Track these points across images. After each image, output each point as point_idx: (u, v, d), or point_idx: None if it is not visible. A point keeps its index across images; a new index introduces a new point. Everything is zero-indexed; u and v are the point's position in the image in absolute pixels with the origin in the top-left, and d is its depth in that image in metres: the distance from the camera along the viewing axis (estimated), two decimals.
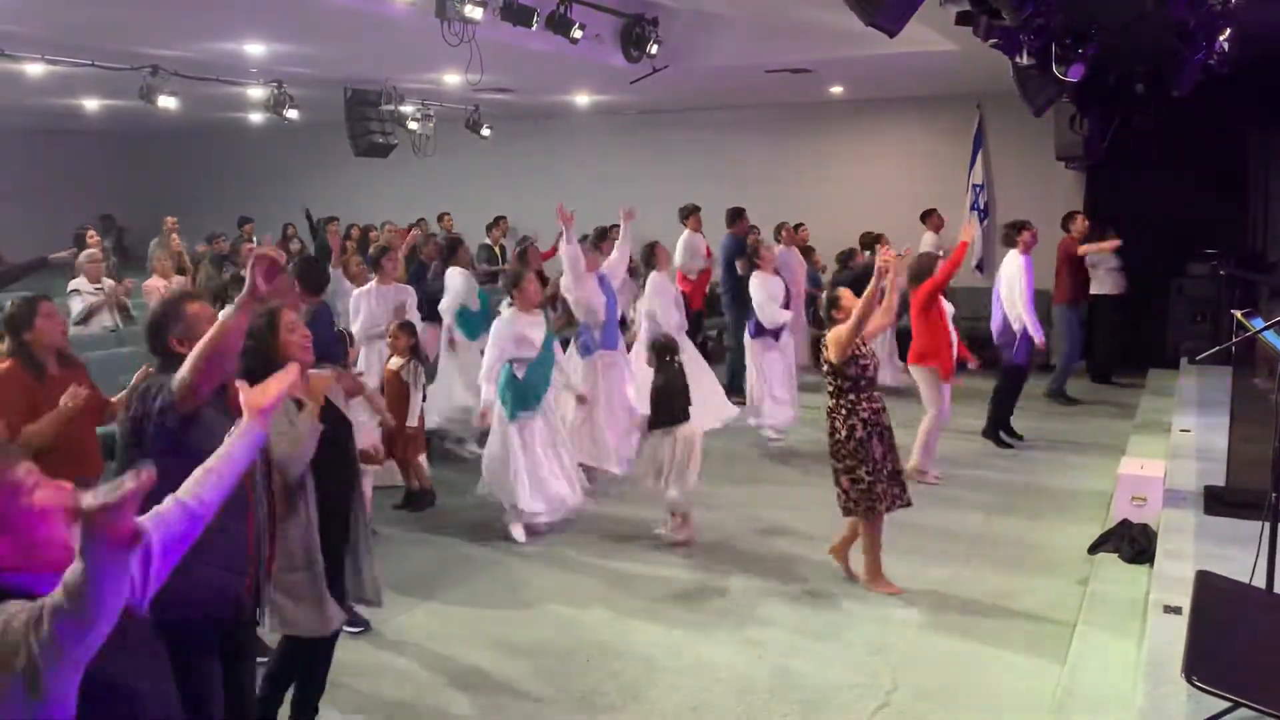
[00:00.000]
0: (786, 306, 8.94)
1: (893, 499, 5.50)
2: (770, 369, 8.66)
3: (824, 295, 5.82)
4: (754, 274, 8.71)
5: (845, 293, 5.68)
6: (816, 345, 5.70)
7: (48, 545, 1.90)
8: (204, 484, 2.22)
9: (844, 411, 5.46)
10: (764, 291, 8.57)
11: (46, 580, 1.88)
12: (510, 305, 6.57)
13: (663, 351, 6.40)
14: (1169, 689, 3.74)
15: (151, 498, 3.08)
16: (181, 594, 2.35)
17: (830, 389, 5.55)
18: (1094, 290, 10.76)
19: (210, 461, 2.28)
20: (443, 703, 4.51)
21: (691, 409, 6.43)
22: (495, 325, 6.53)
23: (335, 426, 3.85)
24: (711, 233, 11.69)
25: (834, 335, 5.46)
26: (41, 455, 4.28)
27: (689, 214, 11.61)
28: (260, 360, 3.61)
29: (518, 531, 6.52)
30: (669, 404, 6.27)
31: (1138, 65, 7.15)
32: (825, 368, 5.55)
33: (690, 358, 8.59)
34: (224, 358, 2.95)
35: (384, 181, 15.23)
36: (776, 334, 8.71)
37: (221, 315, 2.97)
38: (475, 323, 8.35)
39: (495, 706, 4.48)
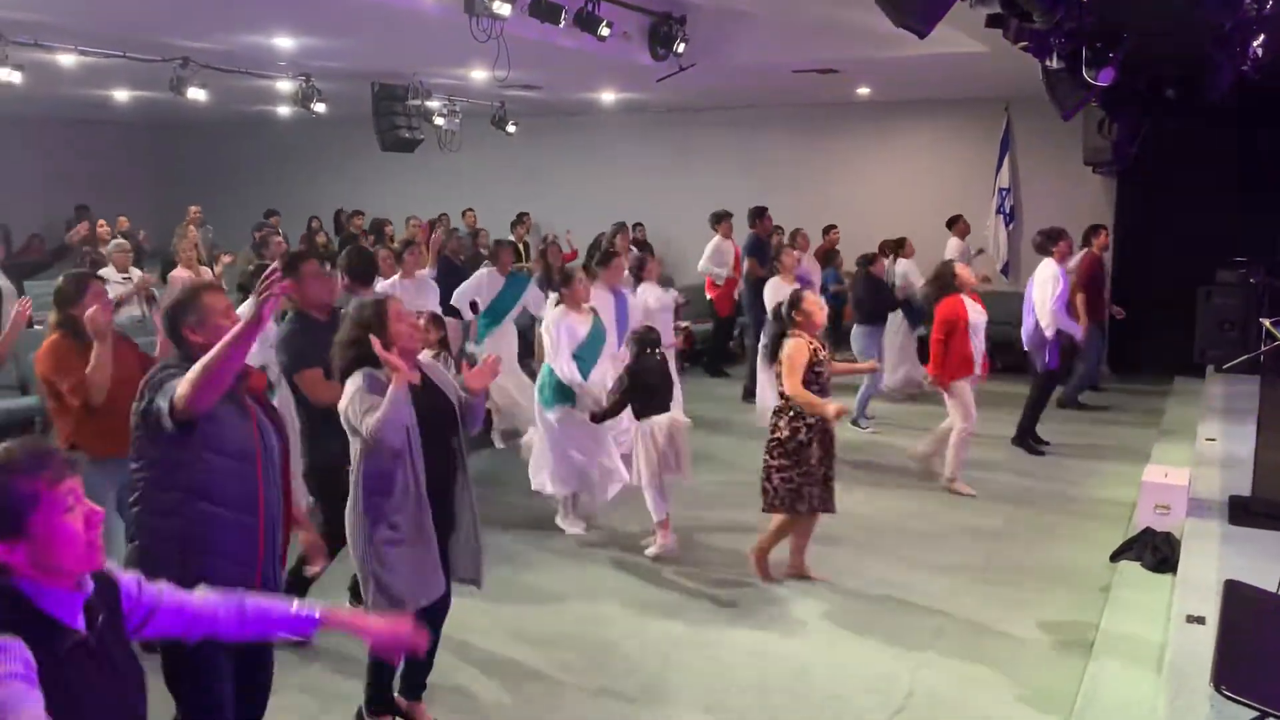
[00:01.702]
0: None
1: (820, 504, 5.59)
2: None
3: (789, 294, 5.83)
4: (771, 280, 8.59)
5: (810, 298, 5.73)
6: (777, 341, 5.66)
7: (62, 562, 1.92)
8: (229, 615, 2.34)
9: (790, 414, 5.53)
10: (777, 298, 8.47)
11: (48, 594, 1.91)
12: (559, 304, 6.59)
13: (642, 343, 6.29)
14: (1192, 699, 3.70)
15: (160, 486, 3.14)
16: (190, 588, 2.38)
17: (780, 390, 5.59)
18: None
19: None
20: (462, 690, 4.53)
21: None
22: (549, 321, 6.53)
23: (441, 406, 3.93)
24: (742, 235, 11.67)
25: (791, 353, 5.46)
26: (92, 421, 4.40)
27: (720, 219, 11.53)
28: (365, 348, 3.73)
29: (571, 526, 6.59)
30: (644, 396, 6.15)
31: (1169, 69, 7.08)
32: (777, 368, 5.58)
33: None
34: (224, 375, 2.99)
35: (409, 177, 15.29)
36: None
37: (226, 336, 3.00)
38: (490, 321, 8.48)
39: (511, 698, 4.49)
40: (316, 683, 4.59)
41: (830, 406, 5.42)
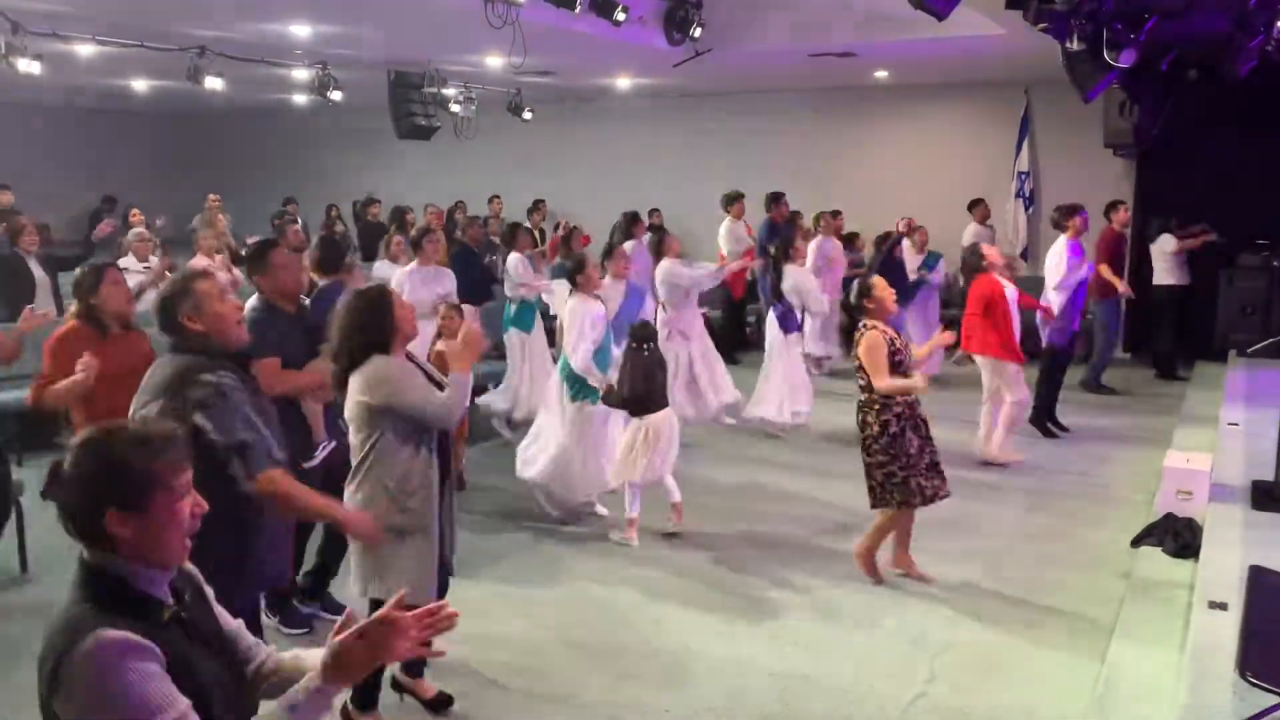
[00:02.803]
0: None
1: (932, 492, 5.39)
2: (793, 366, 8.55)
3: (855, 283, 5.62)
4: (787, 267, 8.56)
5: (879, 281, 5.53)
6: (849, 332, 5.55)
7: (164, 545, 1.96)
8: None
9: (876, 406, 5.32)
10: (800, 283, 8.45)
11: (142, 574, 1.94)
12: (574, 292, 6.57)
13: (638, 339, 6.18)
14: (1214, 685, 3.69)
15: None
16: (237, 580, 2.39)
17: (861, 382, 5.40)
18: (1159, 281, 10.59)
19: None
20: (474, 682, 4.54)
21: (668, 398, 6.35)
22: (571, 310, 6.49)
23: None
24: (753, 218, 11.63)
25: (871, 346, 5.28)
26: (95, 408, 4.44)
27: (732, 201, 11.54)
28: (380, 335, 3.73)
29: (554, 510, 6.57)
30: (633, 393, 6.07)
31: (1191, 50, 7.01)
32: (857, 362, 5.41)
33: (703, 349, 8.59)
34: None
35: (426, 164, 15.31)
36: (799, 327, 8.65)
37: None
38: (528, 316, 8.56)
39: (529, 686, 4.51)
40: None
41: (918, 380, 5.31)
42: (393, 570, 3.75)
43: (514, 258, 8.69)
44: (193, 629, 2.01)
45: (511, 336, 8.62)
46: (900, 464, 5.29)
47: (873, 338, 5.29)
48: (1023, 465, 7.69)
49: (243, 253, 10.19)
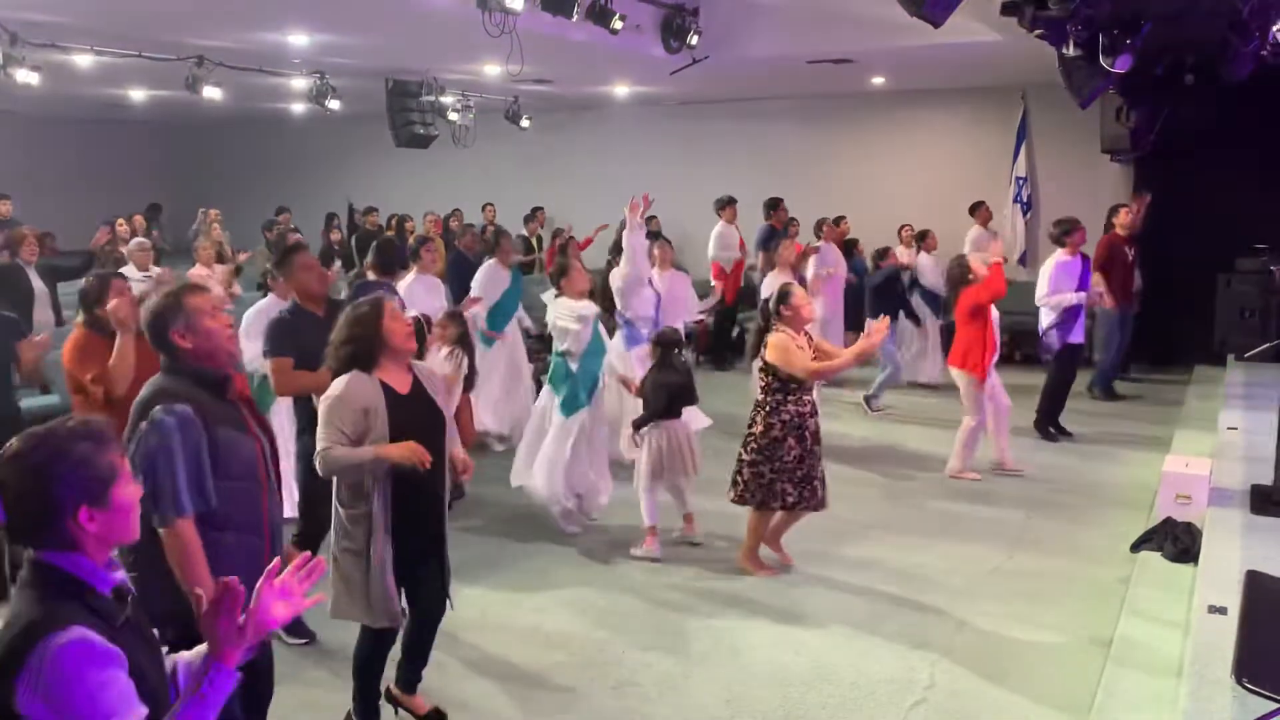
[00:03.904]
0: None
1: (796, 500, 5.55)
2: None
3: (776, 289, 5.72)
4: (769, 276, 8.52)
5: (798, 291, 5.66)
6: (759, 338, 5.64)
7: (124, 533, 2.04)
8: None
9: (766, 409, 5.54)
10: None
11: (98, 574, 1.98)
12: (558, 296, 6.55)
13: (666, 346, 6.20)
14: (1212, 690, 3.68)
15: None
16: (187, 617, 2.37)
17: (762, 384, 5.60)
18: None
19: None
20: (476, 691, 4.53)
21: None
22: (559, 313, 6.45)
23: (429, 418, 3.86)
24: (752, 224, 11.64)
25: (779, 345, 5.43)
26: (113, 414, 4.43)
27: (724, 205, 11.59)
28: (366, 347, 3.71)
29: (571, 526, 6.52)
30: (664, 399, 6.04)
31: (1187, 55, 7.03)
32: (759, 364, 5.58)
33: None
34: None
35: (424, 172, 15.32)
36: None
37: None
38: (500, 316, 8.45)
39: (530, 695, 4.50)
40: (323, 682, 4.60)
41: (850, 353, 5.47)
42: (348, 593, 3.78)
43: (486, 266, 8.58)
44: (138, 630, 2.04)
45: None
46: (771, 466, 5.51)
47: (779, 338, 5.46)
48: (979, 479, 7.57)
49: (238, 265, 10.26)
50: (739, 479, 5.64)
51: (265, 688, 3.35)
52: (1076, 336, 8.48)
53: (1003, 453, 7.81)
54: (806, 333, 5.63)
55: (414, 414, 3.77)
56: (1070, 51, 6.09)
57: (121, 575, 2.05)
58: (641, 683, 4.59)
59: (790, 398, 5.51)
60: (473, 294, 8.19)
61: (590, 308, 6.48)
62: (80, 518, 1.94)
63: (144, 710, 1.84)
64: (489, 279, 8.41)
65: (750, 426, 5.62)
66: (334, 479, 3.79)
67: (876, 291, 9.79)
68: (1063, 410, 8.80)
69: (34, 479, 1.92)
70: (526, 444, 6.78)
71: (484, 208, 14.61)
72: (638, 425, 6.11)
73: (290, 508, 6.31)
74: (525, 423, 7.12)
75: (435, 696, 4.32)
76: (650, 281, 7.70)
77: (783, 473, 5.51)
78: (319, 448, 3.65)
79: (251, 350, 5.67)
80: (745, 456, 5.61)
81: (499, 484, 7.09)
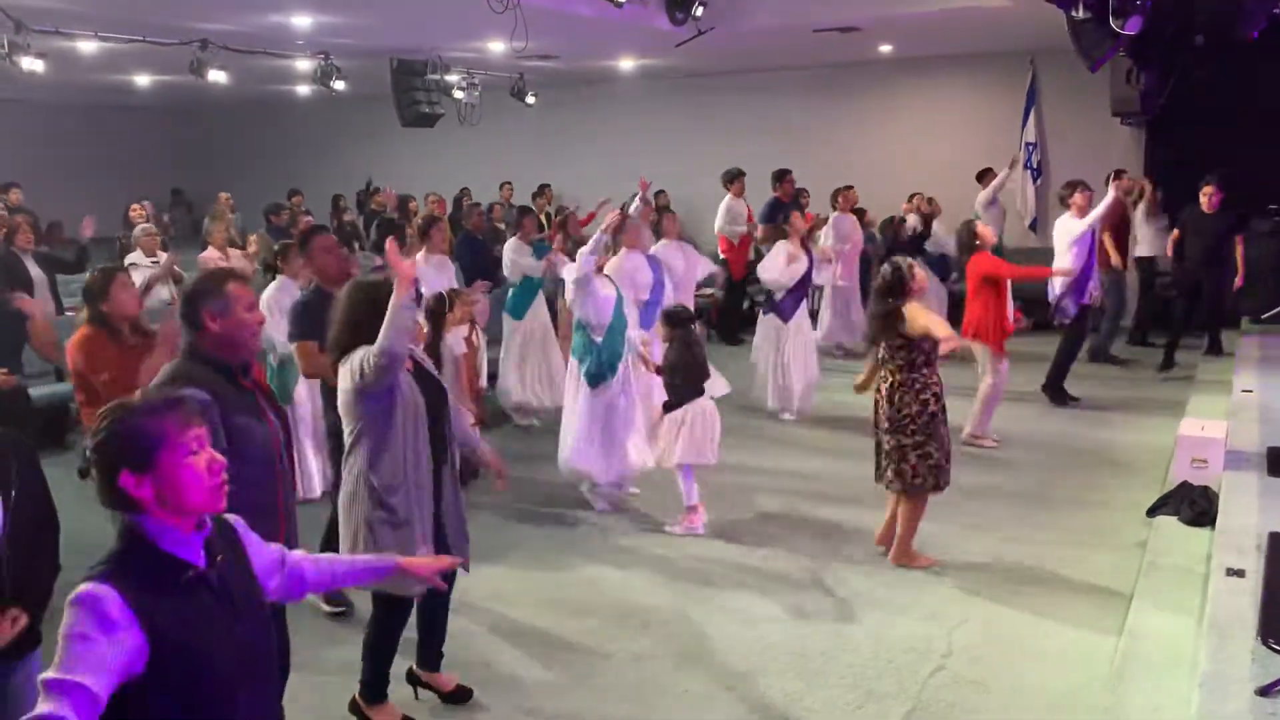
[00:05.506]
0: (806, 279, 8.57)
1: (948, 480, 5.42)
2: (793, 351, 8.45)
3: (886, 267, 5.49)
4: (779, 243, 8.42)
5: (913, 264, 5.45)
6: (889, 318, 5.32)
7: (185, 501, 2.08)
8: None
9: (916, 387, 5.27)
10: (773, 264, 8.35)
11: (170, 532, 2.07)
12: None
13: (676, 322, 6.07)
14: (1232, 651, 3.68)
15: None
16: None
17: (900, 363, 5.31)
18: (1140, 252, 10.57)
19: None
20: (500, 661, 4.57)
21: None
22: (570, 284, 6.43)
23: (432, 394, 3.84)
24: (761, 198, 11.59)
25: (922, 312, 5.25)
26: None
27: (732, 179, 11.52)
28: (369, 328, 3.64)
29: (600, 503, 6.54)
30: (685, 379, 5.97)
31: (1198, 15, 6.94)
32: (896, 341, 5.30)
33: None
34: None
35: (431, 152, 15.29)
36: (792, 313, 8.48)
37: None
38: (522, 300, 8.49)
39: (551, 665, 4.54)
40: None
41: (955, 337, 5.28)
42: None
43: (510, 243, 8.63)
44: (221, 591, 2.11)
45: (505, 322, 8.54)
46: (935, 445, 5.29)
47: (916, 307, 5.26)
48: (996, 446, 7.56)
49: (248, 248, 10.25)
50: (904, 468, 5.29)
51: (284, 661, 3.37)
52: (1084, 298, 8.47)
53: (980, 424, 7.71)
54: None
55: (418, 390, 3.76)
56: (1079, 14, 6.04)
57: (198, 538, 2.11)
58: (663, 653, 4.62)
59: (928, 370, 5.31)
60: (505, 272, 8.42)
61: (609, 289, 6.46)
62: (122, 481, 2.02)
63: (89, 680, 1.86)
64: (516, 255, 8.44)
65: (901, 410, 5.27)
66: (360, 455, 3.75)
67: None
68: (1066, 376, 8.77)
69: (94, 444, 2.06)
70: (564, 424, 6.75)
71: (501, 187, 14.60)
72: (668, 408, 6.02)
73: (320, 483, 6.43)
74: (554, 398, 7.11)
75: (457, 659, 4.36)
76: (652, 261, 7.55)
77: (944, 452, 5.31)
78: (375, 353, 3.51)
79: (277, 330, 5.67)
80: (907, 440, 5.27)
81: (513, 460, 7.10)
